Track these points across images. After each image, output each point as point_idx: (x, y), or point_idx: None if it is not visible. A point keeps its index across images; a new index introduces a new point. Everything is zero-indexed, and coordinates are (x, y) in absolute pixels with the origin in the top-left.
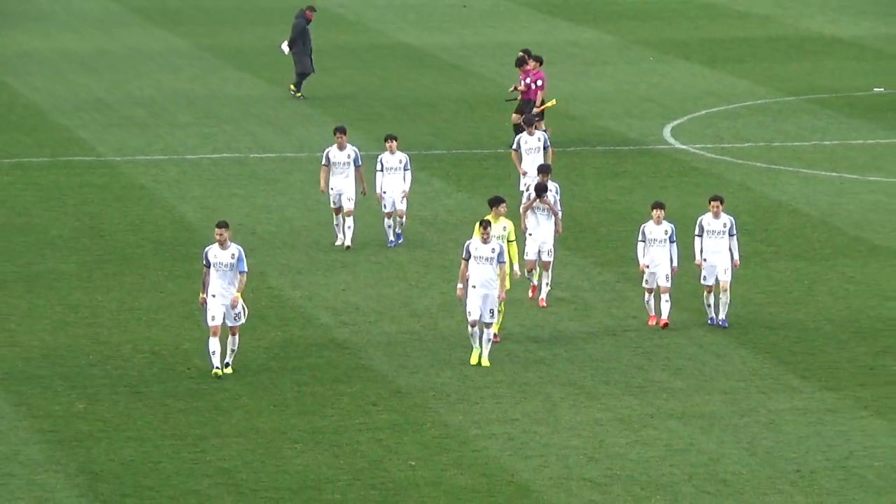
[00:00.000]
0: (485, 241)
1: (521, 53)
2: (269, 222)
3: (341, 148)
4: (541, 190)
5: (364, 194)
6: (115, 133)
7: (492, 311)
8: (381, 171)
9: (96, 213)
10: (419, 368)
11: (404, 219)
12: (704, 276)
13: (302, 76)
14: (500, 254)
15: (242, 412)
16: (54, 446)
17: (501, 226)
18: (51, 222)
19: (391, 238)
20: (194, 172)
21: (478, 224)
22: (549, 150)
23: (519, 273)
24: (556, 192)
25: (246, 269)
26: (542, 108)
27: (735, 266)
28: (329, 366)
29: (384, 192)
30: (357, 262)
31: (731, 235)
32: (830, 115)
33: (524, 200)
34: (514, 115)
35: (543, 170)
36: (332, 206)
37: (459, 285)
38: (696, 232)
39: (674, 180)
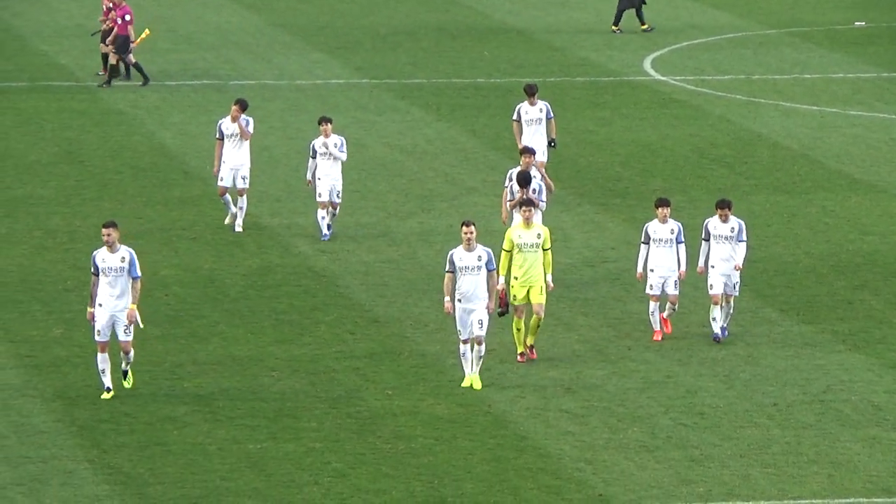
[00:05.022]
0: (468, 248)
1: None
2: None
3: (234, 119)
4: (523, 182)
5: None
6: (94, 59)
7: (481, 323)
8: (314, 157)
9: (75, 138)
10: (397, 297)
11: (338, 210)
12: (711, 285)
13: (628, 8)
14: (489, 261)
15: (220, 340)
16: (31, 371)
17: (535, 232)
18: (30, 147)
19: (325, 231)
20: (174, 99)
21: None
22: (553, 120)
23: (552, 285)
24: (539, 187)
25: (139, 275)
26: (139, 40)
27: (737, 269)
28: (306, 294)
29: (318, 179)
30: None
31: (739, 241)
32: (811, 49)
33: (506, 189)
34: (101, 45)
35: (527, 151)
36: (219, 183)
37: (447, 299)
38: (703, 236)
39: (653, 112)
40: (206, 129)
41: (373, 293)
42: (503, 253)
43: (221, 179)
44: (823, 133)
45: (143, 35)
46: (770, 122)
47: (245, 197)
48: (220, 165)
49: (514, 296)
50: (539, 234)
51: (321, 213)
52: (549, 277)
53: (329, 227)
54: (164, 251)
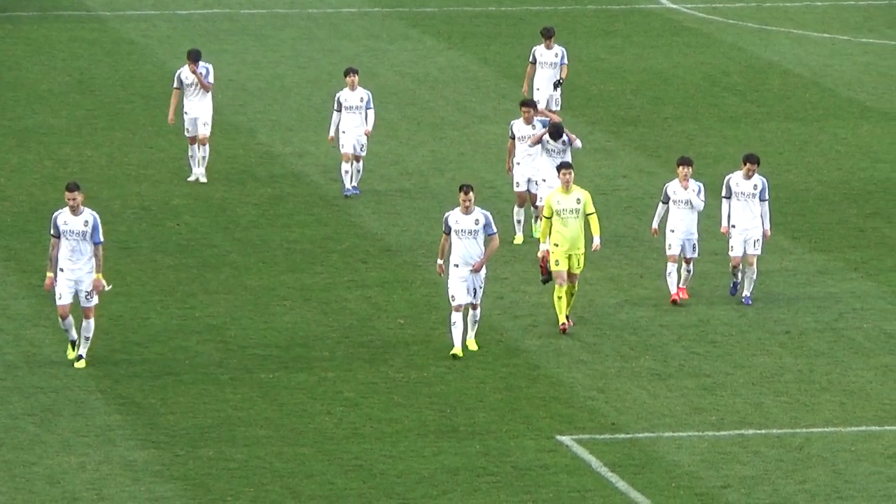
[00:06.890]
0: (466, 211)
1: None
2: (259, 79)
3: (193, 71)
4: (556, 135)
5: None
6: None
7: (475, 292)
8: (339, 111)
9: (86, 68)
10: (409, 226)
11: (361, 165)
12: (732, 247)
13: None
14: (487, 224)
15: (231, 269)
16: (42, 301)
17: (575, 197)
18: (41, 77)
19: (347, 186)
20: (185, 28)
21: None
22: (566, 66)
23: (599, 245)
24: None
25: (102, 240)
26: None
27: (765, 237)
28: (318, 223)
29: (343, 133)
30: None
31: (762, 200)
32: None
33: (511, 141)
34: None
35: (526, 105)
36: (186, 134)
37: (440, 261)
38: (724, 194)
39: (664, 40)
40: (216, 59)
41: (385, 222)
42: (543, 220)
43: (187, 131)
44: (835, 60)
45: None
46: (781, 49)
47: (207, 146)
48: (173, 115)
49: (557, 261)
50: (579, 199)
51: (345, 166)
52: (598, 239)
53: (355, 187)
54: (176, 180)
